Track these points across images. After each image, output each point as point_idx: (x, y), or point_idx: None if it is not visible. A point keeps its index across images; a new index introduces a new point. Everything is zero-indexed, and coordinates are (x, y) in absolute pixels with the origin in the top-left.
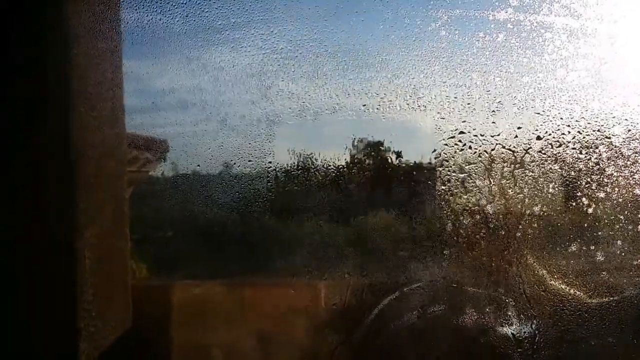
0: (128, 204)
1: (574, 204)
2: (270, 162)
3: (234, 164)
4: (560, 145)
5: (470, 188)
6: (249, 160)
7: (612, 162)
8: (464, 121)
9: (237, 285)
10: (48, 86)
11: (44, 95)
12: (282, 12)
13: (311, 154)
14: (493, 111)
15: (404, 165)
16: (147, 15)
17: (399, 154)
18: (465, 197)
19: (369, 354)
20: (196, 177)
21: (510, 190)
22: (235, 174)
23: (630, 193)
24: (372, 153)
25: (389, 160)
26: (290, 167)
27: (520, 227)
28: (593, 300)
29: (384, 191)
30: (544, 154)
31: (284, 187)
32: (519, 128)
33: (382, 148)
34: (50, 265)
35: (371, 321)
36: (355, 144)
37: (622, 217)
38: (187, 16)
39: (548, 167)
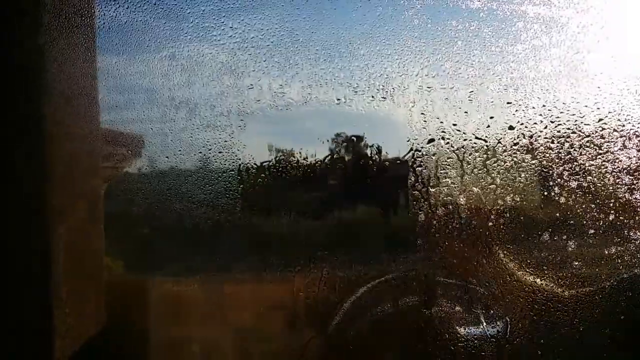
0: (103, 200)
1: (546, 193)
2: (241, 154)
3: (204, 156)
4: (532, 135)
5: (443, 179)
6: (219, 152)
7: (585, 151)
8: (436, 111)
9: (210, 281)
10: (20, 79)
11: (16, 89)
12: (253, 0)
13: (284, 146)
14: (465, 101)
15: (376, 156)
16: (113, 3)
17: (373, 146)
18: (438, 188)
19: (341, 347)
20: (166, 171)
21: (482, 181)
22: (206, 167)
23: (602, 182)
24: (345, 144)
25: (363, 152)
26: (262, 159)
27: (492, 217)
28: (565, 291)
29: (356, 184)
30: (516, 143)
31: (256, 180)
32: (491, 118)
33: (355, 139)
34: (22, 263)
35: (343, 314)
36: (328, 134)
37: (594, 205)
38: (154, 4)
39: (520, 157)
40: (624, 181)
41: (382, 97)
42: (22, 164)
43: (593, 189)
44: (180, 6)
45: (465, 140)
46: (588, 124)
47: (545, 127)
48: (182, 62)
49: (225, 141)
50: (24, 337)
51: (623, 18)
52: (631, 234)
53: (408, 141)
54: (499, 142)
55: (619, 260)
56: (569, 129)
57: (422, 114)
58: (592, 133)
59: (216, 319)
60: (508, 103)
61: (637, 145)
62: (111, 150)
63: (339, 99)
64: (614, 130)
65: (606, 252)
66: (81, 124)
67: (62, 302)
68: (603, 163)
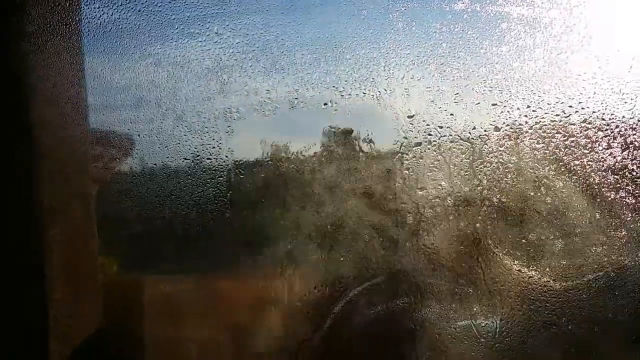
0: (94, 201)
1: (532, 193)
2: (229, 158)
3: (192, 161)
4: (518, 136)
5: (430, 180)
6: (208, 158)
7: (569, 151)
8: (422, 114)
9: (203, 280)
10: (7, 83)
11: (3, 92)
12: (238, 5)
13: (271, 149)
14: (451, 103)
15: (364, 157)
16: (99, 10)
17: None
18: (425, 189)
19: (335, 347)
20: (154, 175)
21: (469, 182)
22: (194, 171)
23: (587, 181)
24: (332, 147)
25: (350, 154)
26: (250, 163)
27: (479, 217)
28: (552, 289)
29: (341, 185)
30: (502, 145)
31: (245, 184)
32: (477, 119)
33: (343, 141)
34: (17, 265)
35: (336, 314)
36: (315, 137)
37: (579, 204)
38: (139, 11)
39: (506, 158)
40: (608, 180)
41: (368, 101)
42: (16, 165)
43: (578, 188)
44: (165, 12)
45: (452, 142)
46: (573, 124)
47: (530, 128)
48: (167, 68)
49: (213, 147)
50: (22, 337)
51: (606, 18)
52: (616, 232)
53: (395, 144)
54: (485, 144)
55: (605, 257)
56: (553, 129)
57: (409, 117)
58: (577, 133)
59: (204, 318)
60: (493, 104)
61: (621, 145)
62: (101, 152)
63: (325, 103)
64: (599, 129)
65: (592, 250)
66: (70, 128)
67: (58, 302)
68: (588, 163)
